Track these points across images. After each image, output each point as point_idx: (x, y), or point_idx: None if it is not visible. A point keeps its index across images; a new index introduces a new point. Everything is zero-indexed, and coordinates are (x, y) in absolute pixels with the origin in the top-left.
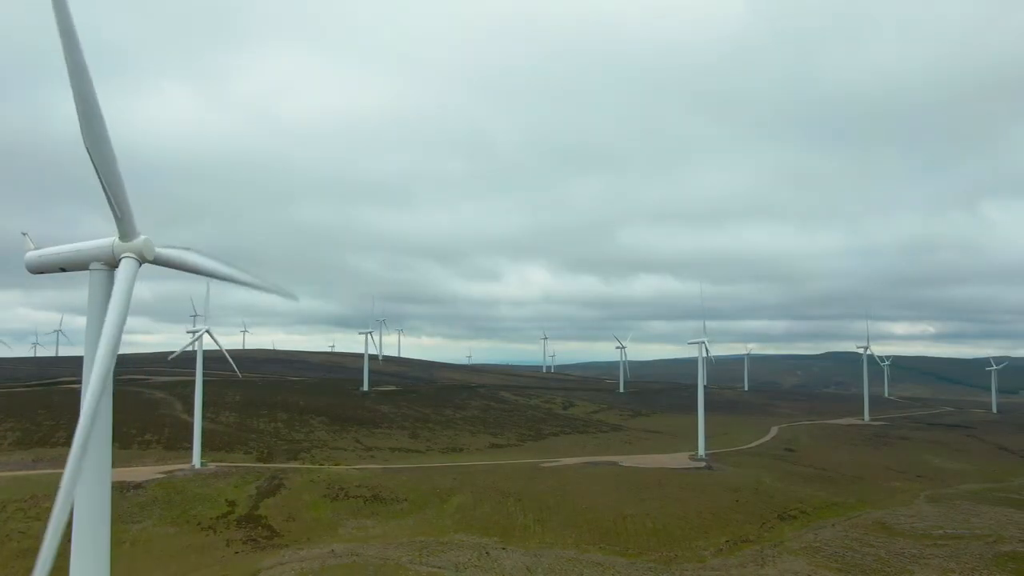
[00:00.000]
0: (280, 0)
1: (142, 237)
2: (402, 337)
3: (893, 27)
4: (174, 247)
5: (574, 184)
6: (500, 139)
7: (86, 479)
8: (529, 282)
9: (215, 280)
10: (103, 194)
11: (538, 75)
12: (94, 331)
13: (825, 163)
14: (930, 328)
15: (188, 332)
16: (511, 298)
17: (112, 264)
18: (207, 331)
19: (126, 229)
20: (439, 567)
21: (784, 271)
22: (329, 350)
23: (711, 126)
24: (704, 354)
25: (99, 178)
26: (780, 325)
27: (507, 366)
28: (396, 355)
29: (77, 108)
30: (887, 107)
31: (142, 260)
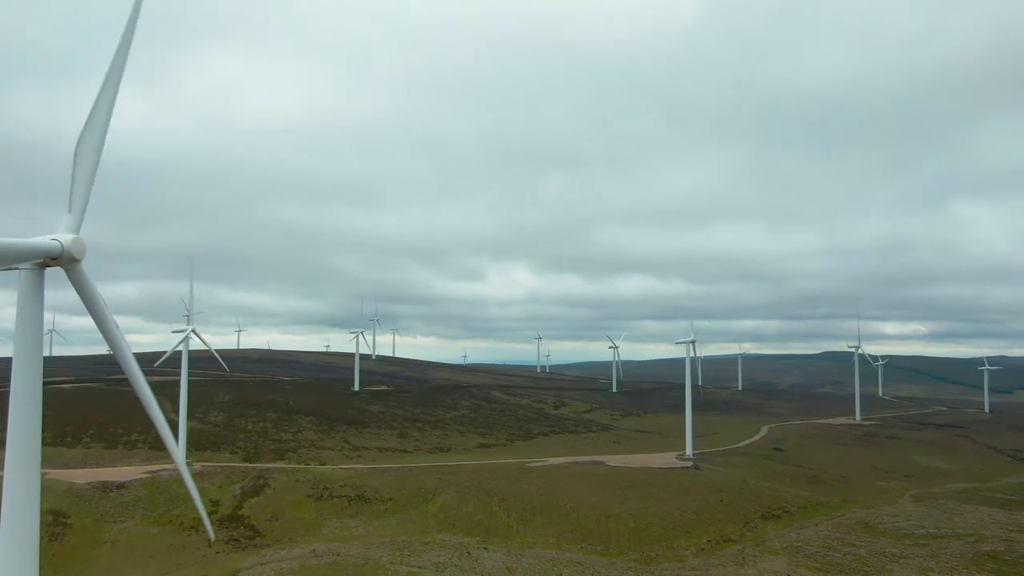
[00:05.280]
0: (226, 2)
1: (67, 240)
2: (397, 337)
3: (844, 27)
4: (71, 178)
5: (539, 184)
6: (460, 140)
7: (15, 476)
8: (514, 282)
9: (116, 98)
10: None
11: (493, 77)
12: (24, 328)
13: (791, 163)
14: (921, 328)
15: (174, 332)
16: (499, 298)
17: (42, 263)
18: (193, 330)
19: (50, 255)
20: (419, 567)
21: (763, 271)
22: (323, 350)
23: (673, 126)
24: (692, 354)
25: None
26: (772, 325)
27: (503, 366)
28: (391, 355)
29: None
30: (845, 107)
31: (81, 258)
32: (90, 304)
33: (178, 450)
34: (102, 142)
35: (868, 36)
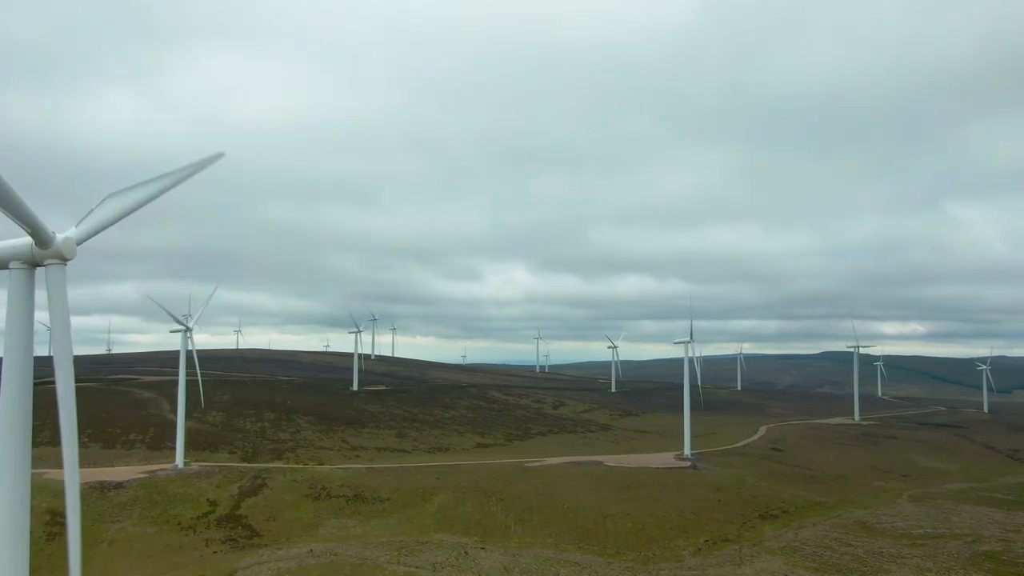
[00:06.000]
0: (222, 2)
1: (60, 237)
2: (396, 337)
3: (839, 28)
4: (90, 210)
5: (536, 184)
6: (457, 140)
7: (5, 478)
8: (512, 282)
9: (150, 202)
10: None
11: (491, 77)
12: (14, 330)
13: (787, 163)
14: (920, 328)
15: (172, 332)
16: (497, 298)
17: (32, 263)
18: (188, 330)
19: (40, 237)
20: (416, 567)
21: (761, 271)
22: (323, 350)
23: (670, 126)
24: (690, 354)
25: None
26: (771, 325)
27: (502, 366)
28: (390, 354)
29: None
30: (841, 107)
31: (66, 260)
32: (57, 309)
33: (75, 468)
34: (134, 210)
35: (863, 36)
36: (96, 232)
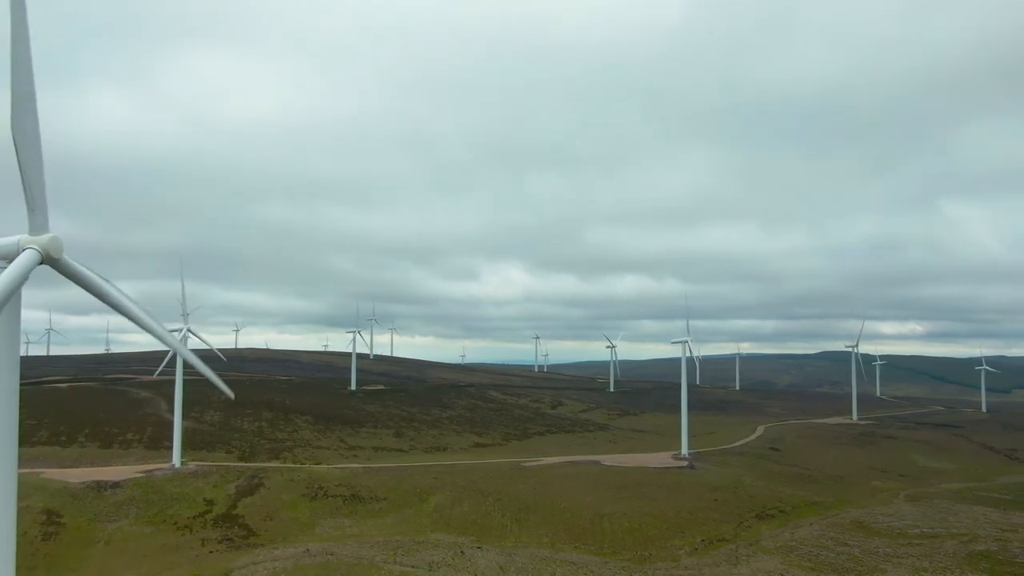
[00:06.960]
0: (218, 1)
1: (51, 235)
2: (395, 336)
3: (837, 27)
4: (88, 269)
5: (533, 184)
6: (453, 139)
7: None
8: (510, 281)
9: (121, 315)
10: (22, 186)
11: (488, 76)
12: (3, 328)
13: (784, 163)
14: (919, 327)
15: (169, 331)
16: (496, 297)
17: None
18: (189, 329)
19: (37, 223)
20: (413, 566)
21: (759, 271)
22: (321, 349)
23: (666, 125)
24: (687, 353)
25: (20, 168)
26: (769, 324)
27: (501, 366)
28: (388, 354)
29: (13, 98)
30: (837, 106)
31: (46, 256)
32: (4, 290)
33: None
34: (105, 303)
35: (858, 36)
36: (71, 277)
